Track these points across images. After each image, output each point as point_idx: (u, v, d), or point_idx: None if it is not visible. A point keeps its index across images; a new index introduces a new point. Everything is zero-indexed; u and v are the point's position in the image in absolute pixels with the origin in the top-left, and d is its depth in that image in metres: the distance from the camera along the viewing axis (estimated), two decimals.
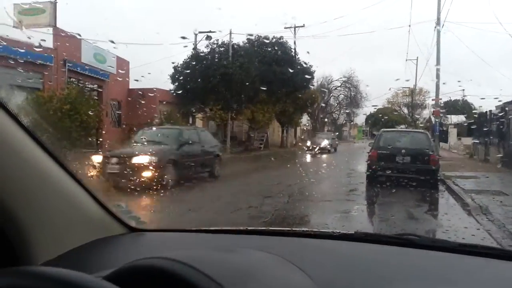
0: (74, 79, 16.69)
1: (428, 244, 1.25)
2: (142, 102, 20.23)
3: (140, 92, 20.73)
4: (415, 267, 1.11)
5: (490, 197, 8.90)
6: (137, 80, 19.87)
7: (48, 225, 1.10)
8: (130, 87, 21.87)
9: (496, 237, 5.78)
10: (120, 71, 20.43)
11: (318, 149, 25.16)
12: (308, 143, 28.21)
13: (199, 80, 21.69)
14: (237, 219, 6.89)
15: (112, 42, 19.33)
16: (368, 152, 11.87)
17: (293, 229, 1.48)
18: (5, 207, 0.98)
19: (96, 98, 17.66)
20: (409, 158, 11.00)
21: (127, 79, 21.68)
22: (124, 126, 20.92)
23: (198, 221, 6.69)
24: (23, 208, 1.02)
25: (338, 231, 1.37)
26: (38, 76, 15.23)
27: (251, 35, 25.77)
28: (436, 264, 1.14)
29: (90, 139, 16.52)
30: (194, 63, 22.74)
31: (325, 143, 26.80)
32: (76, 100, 13.33)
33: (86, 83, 18.13)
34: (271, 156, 24.47)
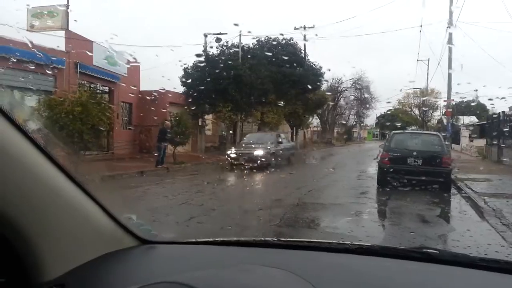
0: (85, 82, 16.86)
1: (448, 259, 1.21)
2: (153, 104, 20.36)
3: (154, 95, 20.87)
4: (436, 285, 1.07)
5: (504, 200, 8.74)
6: (161, 89, 19.67)
7: (57, 239, 1.08)
8: (141, 89, 22.03)
9: (510, 241, 5.67)
10: (131, 73, 20.58)
11: (248, 163, 15.06)
12: (232, 152, 16.63)
13: (209, 82, 21.75)
14: (247, 222, 6.87)
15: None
16: (375, 159, 11.72)
17: (306, 240, 1.43)
18: (12, 222, 0.96)
19: (107, 100, 17.81)
20: (421, 161, 10.87)
21: (138, 81, 21.84)
22: (135, 127, 21.08)
23: (209, 222, 6.69)
24: (31, 223, 1.00)
25: (354, 243, 1.34)
26: (50, 79, 15.41)
27: (270, 37, 25.75)
28: (457, 281, 1.10)
29: (101, 141, 16.67)
30: (204, 65, 22.82)
31: (260, 153, 15.97)
32: (87, 103, 13.43)
33: (98, 85, 18.32)
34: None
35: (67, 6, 16.02)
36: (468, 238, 5.87)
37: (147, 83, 22.40)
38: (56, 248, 1.07)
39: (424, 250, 1.25)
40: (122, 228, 1.30)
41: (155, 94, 21.13)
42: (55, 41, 15.02)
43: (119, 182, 11.79)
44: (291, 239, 1.50)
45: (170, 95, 22.22)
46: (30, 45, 13.21)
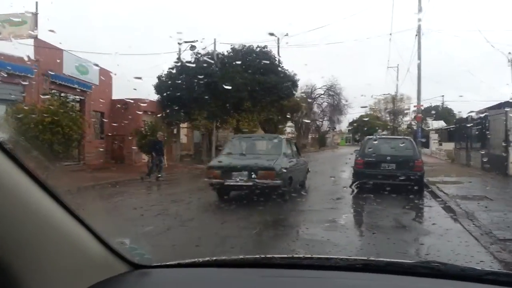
0: (55, 91, 16.35)
1: (457, 274, 1.19)
2: (126, 112, 20.00)
3: (126, 103, 20.48)
4: None
5: (475, 202, 9.03)
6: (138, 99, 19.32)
7: (43, 269, 0.99)
8: (113, 97, 21.61)
9: (484, 243, 5.85)
10: (103, 82, 20.16)
11: None
12: None
13: (183, 89, 21.58)
14: (227, 231, 6.81)
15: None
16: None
17: (309, 256, 1.39)
18: None
19: (79, 109, 17.34)
20: (394, 165, 11.13)
21: (110, 89, 21.44)
22: (107, 137, 20.61)
23: (189, 234, 6.60)
24: (13, 251, 0.92)
25: (360, 258, 1.31)
26: (18, 89, 14.88)
27: (244, 45, 25.79)
28: None
29: (72, 151, 16.20)
30: (178, 72, 22.66)
31: None
32: (57, 112, 13.03)
33: (68, 94, 17.81)
34: None
35: (36, 13, 15.57)
36: (445, 243, 6.01)
37: (119, 92, 21.94)
38: (42, 279, 0.98)
39: (431, 264, 1.23)
40: (114, 253, 1.22)
41: (129, 102, 20.78)
42: (23, 49, 14.55)
43: (93, 194, 11.46)
44: (295, 256, 1.44)
45: (144, 103, 21.91)
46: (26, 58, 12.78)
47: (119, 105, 20.29)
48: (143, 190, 13.12)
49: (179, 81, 21.58)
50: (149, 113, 21.85)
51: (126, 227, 6.22)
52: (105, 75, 20.34)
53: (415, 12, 21.17)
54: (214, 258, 1.40)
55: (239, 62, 23.72)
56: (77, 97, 18.56)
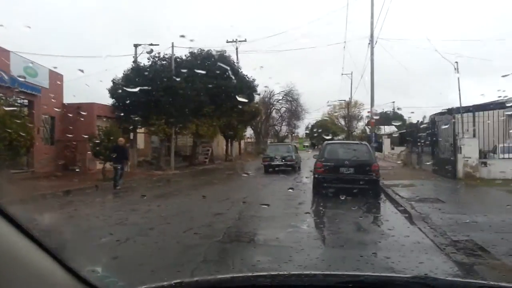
0: (1, 95, 15.31)
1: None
2: (78, 117, 19.10)
3: (79, 108, 19.55)
4: None
5: (429, 204, 9.43)
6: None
7: None
8: (65, 101, 20.59)
9: (439, 244, 6.09)
10: (53, 85, 19.16)
11: None
12: None
13: (140, 93, 20.97)
14: (189, 239, 6.63)
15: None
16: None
17: (297, 273, 1.32)
18: None
19: (27, 114, 16.34)
20: (352, 169, 11.42)
21: (61, 93, 20.40)
22: (58, 143, 19.57)
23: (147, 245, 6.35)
24: None
25: (347, 274, 1.27)
26: None
27: (203, 49, 25.58)
28: None
29: (21, 158, 15.25)
30: (135, 76, 22.02)
31: None
32: (3, 118, 12.21)
33: (16, 98, 16.73)
34: (216, 170, 24.23)
35: None
36: (402, 245, 6.18)
37: (71, 96, 20.97)
38: None
39: (423, 280, 1.21)
40: (83, 283, 1.11)
41: (81, 107, 19.86)
42: None
43: (45, 204, 10.81)
44: (281, 274, 1.36)
45: (98, 108, 21.07)
46: None
47: (72, 109, 19.36)
48: (99, 198, 12.56)
49: (136, 85, 20.96)
50: (104, 118, 21.03)
51: (85, 243, 5.90)
52: (56, 78, 19.35)
53: (368, 21, 21.93)
54: (196, 279, 1.30)
55: (198, 66, 23.49)
56: (25, 100, 17.49)
